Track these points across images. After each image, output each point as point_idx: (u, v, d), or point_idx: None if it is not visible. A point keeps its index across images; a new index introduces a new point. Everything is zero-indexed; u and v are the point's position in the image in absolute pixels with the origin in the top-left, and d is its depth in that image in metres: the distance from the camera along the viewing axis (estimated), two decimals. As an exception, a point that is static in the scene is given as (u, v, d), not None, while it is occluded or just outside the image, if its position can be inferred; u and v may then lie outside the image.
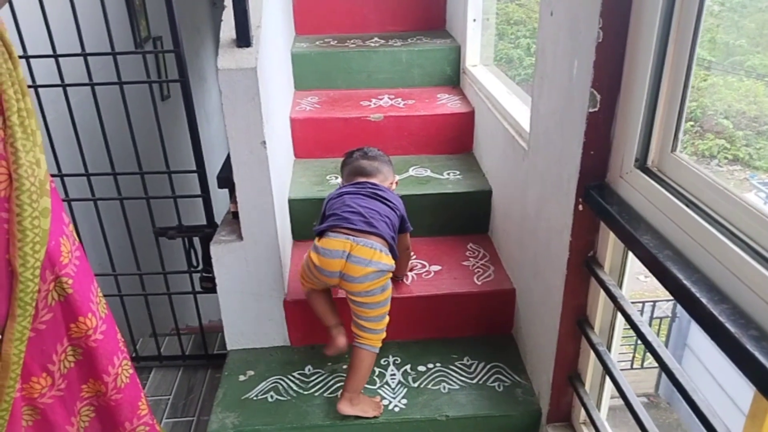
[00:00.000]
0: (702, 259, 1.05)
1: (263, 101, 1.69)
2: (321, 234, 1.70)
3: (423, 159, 2.48)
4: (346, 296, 1.73)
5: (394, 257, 1.73)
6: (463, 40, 2.64)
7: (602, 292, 1.42)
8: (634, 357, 6.53)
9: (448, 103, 2.56)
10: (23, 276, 1.20)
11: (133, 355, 2.24)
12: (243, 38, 1.68)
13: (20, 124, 1.19)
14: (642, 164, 1.29)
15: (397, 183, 1.94)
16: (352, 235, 1.66)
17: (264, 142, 1.72)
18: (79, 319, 1.34)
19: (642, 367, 6.49)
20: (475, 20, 2.58)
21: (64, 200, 1.95)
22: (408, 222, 1.87)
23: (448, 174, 2.34)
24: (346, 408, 1.72)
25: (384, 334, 1.76)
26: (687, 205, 1.12)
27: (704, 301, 0.97)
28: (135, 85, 1.89)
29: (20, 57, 1.75)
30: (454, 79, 2.76)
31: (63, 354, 1.36)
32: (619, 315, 1.43)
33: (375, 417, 1.74)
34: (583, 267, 1.47)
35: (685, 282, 1.02)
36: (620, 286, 1.41)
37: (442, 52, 2.72)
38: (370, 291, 1.68)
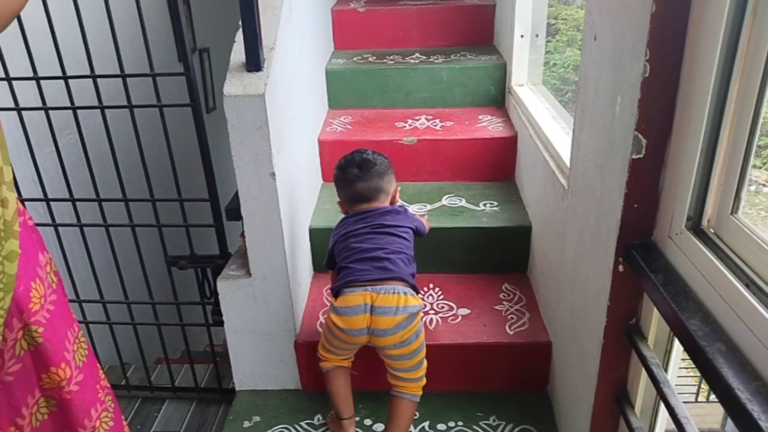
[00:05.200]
0: (765, 362, 0.83)
1: (273, 130, 1.56)
2: (337, 293, 1.57)
3: (459, 186, 2.29)
4: (378, 352, 1.59)
5: (418, 292, 1.59)
6: (510, 57, 2.44)
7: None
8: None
9: (489, 126, 2.36)
10: (-18, 327, 1.10)
11: (147, 384, 2.16)
12: (253, 62, 1.55)
13: None
14: (695, 224, 1.07)
15: (398, 190, 1.73)
16: (371, 285, 1.52)
17: (273, 174, 1.58)
18: (50, 369, 1.23)
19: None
20: (522, 36, 2.37)
21: (75, 225, 1.89)
22: (420, 226, 1.70)
23: (485, 205, 2.14)
24: None
25: (424, 381, 1.62)
26: (747, 286, 0.90)
27: (763, 422, 0.75)
28: (175, 101, 1.76)
29: (30, 78, 1.71)
30: (498, 99, 2.55)
31: (35, 406, 1.25)
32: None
33: None
34: (624, 336, 1.25)
35: (738, 392, 0.80)
36: (666, 366, 1.19)
37: (486, 69, 2.52)
38: (405, 341, 1.53)
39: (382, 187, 1.64)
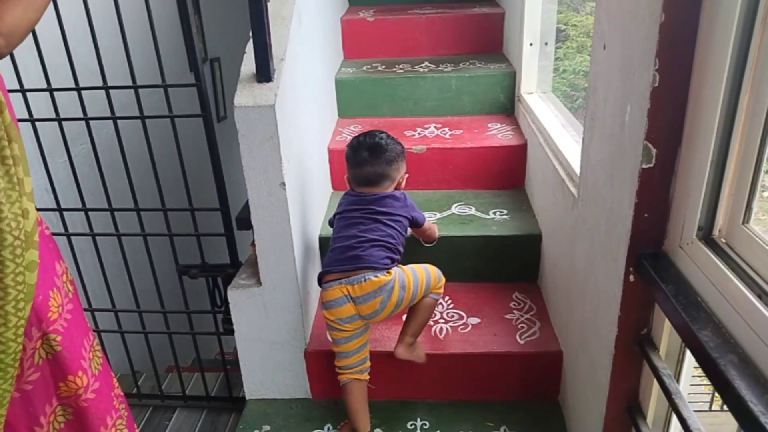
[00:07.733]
0: (778, 375, 0.82)
1: (283, 140, 1.57)
2: (319, 281, 1.66)
3: (468, 195, 2.29)
4: None
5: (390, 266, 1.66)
6: (519, 65, 2.44)
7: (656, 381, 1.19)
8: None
9: (498, 134, 2.36)
10: (4, 336, 1.11)
11: (158, 393, 2.17)
12: (263, 72, 1.56)
13: (5, 173, 1.10)
14: (706, 234, 1.06)
15: (405, 177, 1.78)
16: (345, 278, 1.59)
17: (283, 184, 1.59)
18: (68, 377, 1.25)
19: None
20: (531, 44, 2.37)
21: (88, 234, 1.91)
22: (418, 216, 1.78)
23: (494, 213, 2.14)
24: (403, 353, 1.68)
25: (442, 281, 1.73)
26: (759, 297, 0.89)
27: (778, 437, 0.75)
28: (186, 110, 1.77)
29: (44, 90, 1.73)
30: (508, 107, 2.55)
31: (52, 415, 1.27)
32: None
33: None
34: (635, 346, 1.25)
35: (751, 405, 0.79)
36: (678, 376, 1.18)
37: (495, 78, 2.52)
38: (397, 305, 1.63)
39: (388, 174, 1.69)
